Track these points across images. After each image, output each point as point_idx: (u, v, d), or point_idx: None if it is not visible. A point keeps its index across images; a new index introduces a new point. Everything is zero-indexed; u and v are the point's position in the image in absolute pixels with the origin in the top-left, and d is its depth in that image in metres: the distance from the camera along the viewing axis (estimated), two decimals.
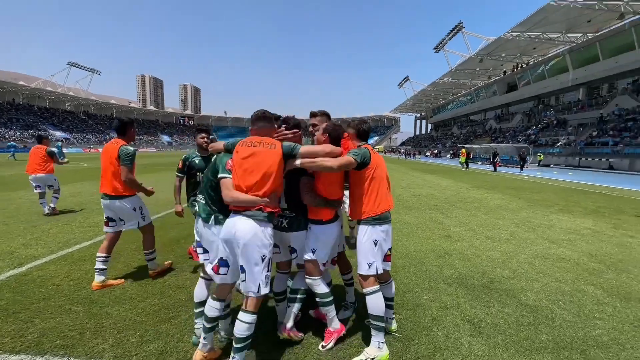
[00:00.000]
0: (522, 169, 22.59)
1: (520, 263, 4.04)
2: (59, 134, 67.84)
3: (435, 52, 53.09)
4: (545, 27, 33.48)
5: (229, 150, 2.22)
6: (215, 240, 2.17)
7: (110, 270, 3.43)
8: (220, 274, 2.10)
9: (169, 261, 3.79)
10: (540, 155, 28.36)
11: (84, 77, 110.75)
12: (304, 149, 2.13)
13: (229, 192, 2.04)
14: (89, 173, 15.36)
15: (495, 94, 53.13)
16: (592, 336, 2.47)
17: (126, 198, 3.25)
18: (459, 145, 47.70)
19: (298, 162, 2.11)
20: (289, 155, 2.10)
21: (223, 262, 2.08)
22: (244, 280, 1.99)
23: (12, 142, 34.23)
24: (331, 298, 2.30)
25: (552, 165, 28.92)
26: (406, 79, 74.63)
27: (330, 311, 2.31)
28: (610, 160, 24.99)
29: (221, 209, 2.20)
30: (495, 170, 23.02)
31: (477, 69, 49.64)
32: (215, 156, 2.37)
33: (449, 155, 48.94)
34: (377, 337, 2.18)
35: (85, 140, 71.91)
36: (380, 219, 2.27)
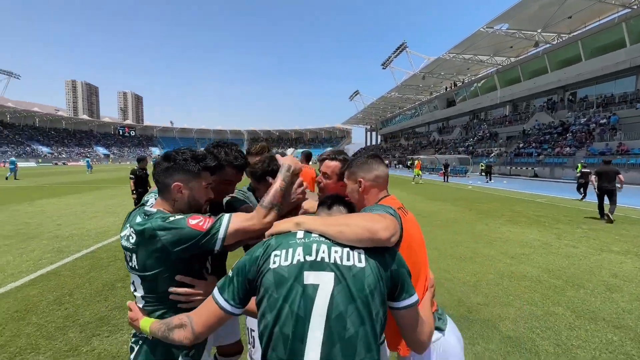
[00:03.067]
0: (488, 181, 22.69)
1: (490, 285, 4.05)
2: None
3: (383, 68, 56.23)
4: (476, 50, 37.45)
5: None
6: None
7: None
8: None
9: None
10: (482, 165, 31.09)
11: None
12: None
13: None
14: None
15: (436, 108, 57.66)
16: None
17: None
18: (408, 157, 50.54)
19: None
20: None
21: None
22: None
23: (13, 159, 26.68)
24: None
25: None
26: (356, 93, 77.67)
27: None
28: (534, 168, 28.38)
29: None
30: (446, 180, 24.01)
31: (420, 85, 53.48)
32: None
33: (399, 165, 51.31)
34: None
35: None
36: None
